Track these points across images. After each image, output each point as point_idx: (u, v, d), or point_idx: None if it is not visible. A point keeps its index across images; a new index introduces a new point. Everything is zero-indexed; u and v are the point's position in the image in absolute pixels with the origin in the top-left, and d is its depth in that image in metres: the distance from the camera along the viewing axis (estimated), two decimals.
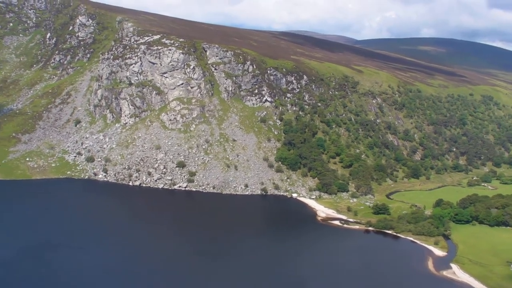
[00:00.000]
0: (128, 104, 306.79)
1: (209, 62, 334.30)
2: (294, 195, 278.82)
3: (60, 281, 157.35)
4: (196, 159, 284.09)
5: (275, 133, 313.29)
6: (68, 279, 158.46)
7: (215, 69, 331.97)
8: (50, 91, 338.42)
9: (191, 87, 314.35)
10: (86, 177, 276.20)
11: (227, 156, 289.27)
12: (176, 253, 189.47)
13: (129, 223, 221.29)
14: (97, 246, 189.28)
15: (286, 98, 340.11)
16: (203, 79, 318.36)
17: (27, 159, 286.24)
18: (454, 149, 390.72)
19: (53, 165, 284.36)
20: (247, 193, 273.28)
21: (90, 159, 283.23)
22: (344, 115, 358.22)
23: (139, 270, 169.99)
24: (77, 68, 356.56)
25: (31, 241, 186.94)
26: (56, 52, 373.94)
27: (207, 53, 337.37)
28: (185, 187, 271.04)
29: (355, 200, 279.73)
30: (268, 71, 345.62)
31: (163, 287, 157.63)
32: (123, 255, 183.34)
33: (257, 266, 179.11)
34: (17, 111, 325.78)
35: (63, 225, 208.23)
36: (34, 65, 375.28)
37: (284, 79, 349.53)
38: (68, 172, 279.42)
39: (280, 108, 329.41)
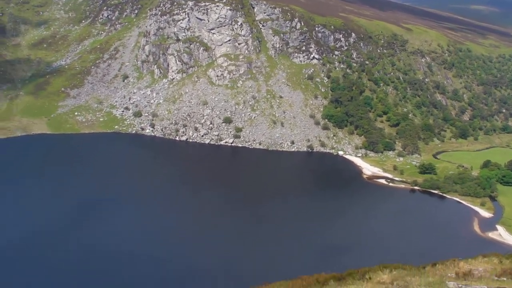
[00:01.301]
0: (176, 60, 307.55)
1: (256, 18, 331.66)
2: (340, 152, 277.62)
3: (104, 235, 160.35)
4: (243, 115, 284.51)
5: (322, 90, 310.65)
6: (113, 234, 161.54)
7: (263, 26, 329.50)
8: (98, 46, 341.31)
9: (239, 44, 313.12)
10: (134, 131, 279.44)
11: (274, 113, 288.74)
12: (219, 211, 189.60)
13: (174, 178, 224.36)
14: (140, 201, 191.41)
15: (334, 56, 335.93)
16: (250, 35, 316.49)
17: (76, 113, 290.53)
18: (504, 110, 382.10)
19: (101, 119, 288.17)
20: (293, 149, 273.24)
21: (138, 114, 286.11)
22: (392, 73, 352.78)
23: (181, 228, 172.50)
24: (125, 24, 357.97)
25: (76, 195, 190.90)
26: (104, 8, 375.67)
27: (255, 10, 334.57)
28: (231, 143, 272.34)
29: (401, 159, 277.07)
30: (316, 28, 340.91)
31: (206, 248, 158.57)
32: (166, 211, 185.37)
33: (301, 226, 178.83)
34: (66, 66, 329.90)
35: (109, 179, 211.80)
36: (83, 21, 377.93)
37: (332, 36, 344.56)
38: (116, 127, 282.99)
39: (328, 65, 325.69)
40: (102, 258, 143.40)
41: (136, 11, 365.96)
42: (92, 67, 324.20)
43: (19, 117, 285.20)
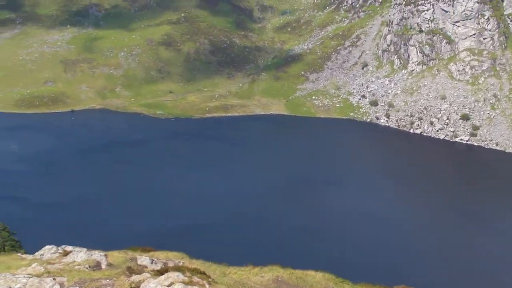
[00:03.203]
0: (417, 51, 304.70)
1: (505, 13, 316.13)
2: None
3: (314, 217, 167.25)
4: (482, 113, 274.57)
5: None
6: (322, 216, 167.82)
7: (511, 21, 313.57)
8: (340, 33, 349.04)
9: (483, 38, 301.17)
10: (368, 120, 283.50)
11: None
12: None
13: (403, 170, 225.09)
14: (361, 186, 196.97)
15: None
16: (497, 30, 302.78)
17: (313, 97, 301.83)
18: None
19: (337, 105, 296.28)
20: None
21: (374, 103, 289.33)
22: None
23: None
24: (368, 12, 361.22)
25: (298, 174, 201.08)
26: None
27: (504, 4, 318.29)
28: (467, 141, 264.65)
29: None
30: None
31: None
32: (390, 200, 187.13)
33: None
34: (308, 51, 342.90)
35: (336, 163, 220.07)
36: (327, 7, 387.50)
37: None
38: (351, 114, 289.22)
39: None
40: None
41: (380, 0, 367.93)
42: (333, 53, 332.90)
43: (259, 96, 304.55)
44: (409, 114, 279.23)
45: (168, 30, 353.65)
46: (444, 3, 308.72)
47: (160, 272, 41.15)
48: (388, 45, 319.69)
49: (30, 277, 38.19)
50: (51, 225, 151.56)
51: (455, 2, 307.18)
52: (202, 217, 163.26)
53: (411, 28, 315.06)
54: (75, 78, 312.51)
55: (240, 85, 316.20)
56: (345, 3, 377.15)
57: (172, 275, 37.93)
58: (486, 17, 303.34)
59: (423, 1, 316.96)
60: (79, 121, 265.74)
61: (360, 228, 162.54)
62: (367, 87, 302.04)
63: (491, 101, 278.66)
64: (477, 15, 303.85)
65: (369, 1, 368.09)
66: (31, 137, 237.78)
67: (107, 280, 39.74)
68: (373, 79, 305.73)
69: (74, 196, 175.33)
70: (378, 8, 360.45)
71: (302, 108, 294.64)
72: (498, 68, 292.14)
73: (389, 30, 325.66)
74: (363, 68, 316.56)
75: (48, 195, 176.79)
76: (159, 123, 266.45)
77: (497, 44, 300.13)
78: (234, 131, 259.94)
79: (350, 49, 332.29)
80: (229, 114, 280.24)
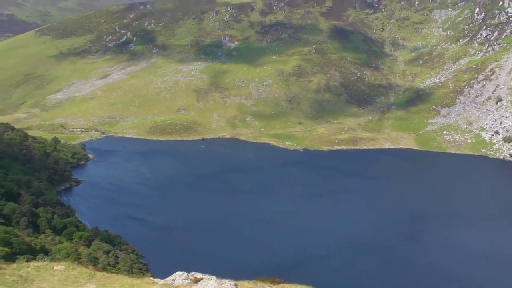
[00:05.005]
0: None
1: None
2: None
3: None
4: None
5: None
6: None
7: None
8: (474, 66, 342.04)
9: None
10: (501, 157, 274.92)
11: None
12: None
13: None
14: (491, 227, 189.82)
15: None
16: None
17: (444, 132, 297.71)
18: None
19: (468, 141, 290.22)
20: None
21: (508, 140, 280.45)
22: None
23: None
24: (503, 45, 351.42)
25: (426, 210, 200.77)
26: (484, 27, 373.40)
27: None
28: None
29: None
30: None
31: None
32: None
33: None
34: (439, 84, 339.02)
35: (466, 200, 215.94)
36: (460, 40, 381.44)
37: None
38: (483, 150, 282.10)
39: None
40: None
41: None
42: (466, 87, 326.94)
43: (388, 130, 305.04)
44: None
45: (299, 62, 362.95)
46: None
47: None
48: None
49: None
50: (175, 249, 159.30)
51: None
52: (325, 248, 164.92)
53: None
54: (207, 107, 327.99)
55: (370, 118, 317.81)
56: (479, 36, 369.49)
57: None
58: None
59: None
60: (209, 149, 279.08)
61: (484, 269, 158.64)
62: (500, 122, 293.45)
63: None
64: None
65: (504, 34, 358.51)
66: (161, 162, 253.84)
67: None
68: (508, 115, 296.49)
69: (197, 221, 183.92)
70: None
71: (432, 143, 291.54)
72: None
73: None
74: (497, 103, 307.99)
75: (172, 218, 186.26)
76: (287, 154, 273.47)
77: None
78: (363, 164, 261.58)
79: (484, 83, 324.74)
80: (358, 147, 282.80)
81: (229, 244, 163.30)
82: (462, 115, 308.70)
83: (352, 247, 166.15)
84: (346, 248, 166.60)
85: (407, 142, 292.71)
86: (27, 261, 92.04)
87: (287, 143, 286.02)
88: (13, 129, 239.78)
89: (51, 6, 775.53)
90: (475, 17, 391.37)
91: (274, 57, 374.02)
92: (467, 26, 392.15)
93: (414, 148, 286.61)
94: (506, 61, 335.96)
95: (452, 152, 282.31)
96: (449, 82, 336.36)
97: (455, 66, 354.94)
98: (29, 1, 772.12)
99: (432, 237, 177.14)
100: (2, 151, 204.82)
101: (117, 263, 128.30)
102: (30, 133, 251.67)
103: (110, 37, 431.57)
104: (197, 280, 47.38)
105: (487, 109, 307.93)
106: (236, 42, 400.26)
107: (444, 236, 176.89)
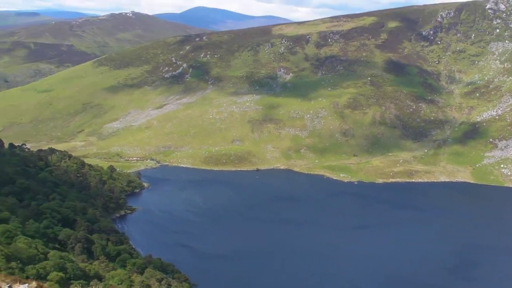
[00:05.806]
0: None
1: None
2: None
3: None
4: None
5: None
6: None
7: None
8: None
9: None
10: None
11: None
12: None
13: None
14: None
15: None
16: None
17: (502, 165, 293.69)
18: None
19: None
20: None
21: None
22: None
23: None
24: None
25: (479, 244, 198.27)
26: None
27: None
28: None
29: None
30: None
31: None
32: None
33: None
34: (497, 117, 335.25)
35: None
36: None
37: None
38: None
39: None
40: None
41: None
42: None
43: (444, 163, 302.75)
44: None
45: (353, 94, 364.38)
46: None
47: None
48: None
49: None
50: (226, 278, 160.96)
51: None
52: (376, 281, 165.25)
53: None
54: (261, 138, 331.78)
55: (425, 150, 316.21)
56: None
57: None
58: None
59: None
60: (263, 180, 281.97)
61: None
62: None
63: None
64: None
65: None
66: (214, 191, 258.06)
67: None
68: None
69: (248, 250, 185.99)
70: None
71: (489, 176, 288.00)
72: None
73: None
74: None
75: (224, 247, 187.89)
76: (342, 186, 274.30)
77: None
78: (417, 196, 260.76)
79: None
80: (413, 180, 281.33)
81: (279, 274, 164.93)
82: None
83: (403, 281, 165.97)
84: (396, 282, 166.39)
85: (463, 175, 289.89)
86: (81, 287, 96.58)
87: (341, 175, 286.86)
88: (70, 156, 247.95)
89: (109, 37, 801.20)
90: None
91: (328, 89, 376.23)
92: None
93: (471, 182, 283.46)
94: None
95: (510, 186, 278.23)
96: (507, 115, 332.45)
97: None
98: (88, 32, 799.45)
99: (487, 271, 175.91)
100: (59, 178, 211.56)
101: None
102: (86, 161, 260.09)
103: (167, 68, 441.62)
104: None
105: None
106: (291, 74, 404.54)
107: (499, 270, 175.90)
